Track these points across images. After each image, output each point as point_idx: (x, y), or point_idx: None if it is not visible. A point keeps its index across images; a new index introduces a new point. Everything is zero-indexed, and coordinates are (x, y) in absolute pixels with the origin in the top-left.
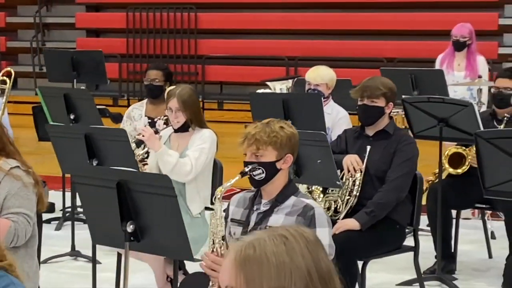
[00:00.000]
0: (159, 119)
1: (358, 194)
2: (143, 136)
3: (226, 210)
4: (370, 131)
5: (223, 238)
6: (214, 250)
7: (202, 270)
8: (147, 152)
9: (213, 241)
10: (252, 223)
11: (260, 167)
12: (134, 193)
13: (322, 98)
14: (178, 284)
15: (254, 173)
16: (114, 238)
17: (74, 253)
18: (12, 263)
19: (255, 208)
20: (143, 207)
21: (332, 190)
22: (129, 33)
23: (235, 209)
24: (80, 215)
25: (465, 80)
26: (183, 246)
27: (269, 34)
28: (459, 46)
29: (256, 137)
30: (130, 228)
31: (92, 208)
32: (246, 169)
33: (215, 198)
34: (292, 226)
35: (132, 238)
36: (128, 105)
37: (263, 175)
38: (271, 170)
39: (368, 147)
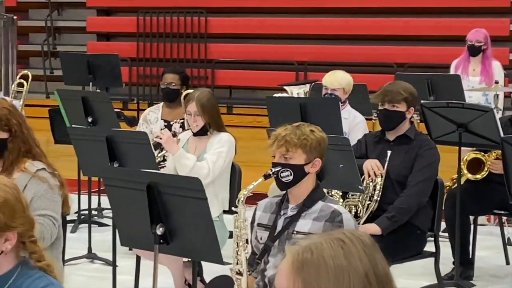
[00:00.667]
0: (175, 122)
1: (378, 199)
2: (160, 138)
3: (253, 215)
4: (390, 136)
5: (247, 241)
6: (238, 253)
7: (227, 273)
8: (164, 156)
9: (237, 244)
10: (279, 228)
11: (288, 169)
12: (164, 196)
13: (340, 103)
14: (204, 286)
15: (281, 174)
16: (143, 240)
17: (91, 256)
18: (50, 264)
19: (282, 213)
20: (173, 210)
21: (352, 195)
22: (139, 37)
23: (262, 214)
24: (95, 218)
25: (480, 86)
26: (212, 249)
27: (279, 39)
28: (474, 51)
29: (286, 139)
30: (159, 230)
31: (122, 210)
32: (270, 172)
33: (238, 201)
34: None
35: (161, 240)
36: (138, 109)
37: (291, 177)
38: (299, 173)
39: (389, 152)
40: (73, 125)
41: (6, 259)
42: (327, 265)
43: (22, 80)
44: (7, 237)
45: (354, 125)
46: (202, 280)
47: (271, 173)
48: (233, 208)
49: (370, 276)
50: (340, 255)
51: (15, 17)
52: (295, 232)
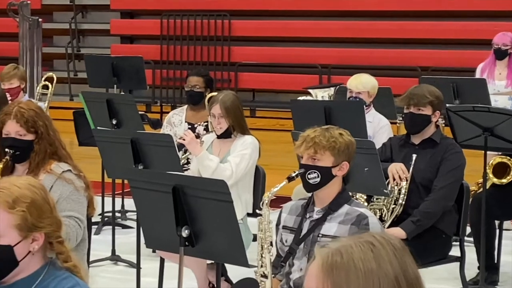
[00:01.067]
0: (199, 125)
1: (403, 202)
2: (184, 140)
3: (278, 217)
4: (416, 140)
5: (272, 243)
6: (263, 255)
7: (251, 276)
8: (188, 159)
9: (262, 247)
10: (304, 231)
11: (315, 171)
12: (190, 198)
13: (364, 106)
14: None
15: (309, 176)
16: (169, 242)
17: (114, 258)
18: (77, 264)
19: (307, 216)
20: (199, 212)
21: (377, 199)
22: (163, 40)
23: (287, 217)
24: (118, 220)
25: (506, 90)
26: (238, 252)
27: (303, 42)
28: (500, 54)
29: (315, 141)
30: (185, 233)
31: (147, 213)
32: (293, 174)
33: (262, 203)
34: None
35: (187, 243)
36: (161, 111)
37: (318, 179)
38: (326, 175)
39: (414, 156)
40: (98, 127)
41: (34, 259)
42: (357, 268)
43: (47, 83)
44: (34, 237)
45: (379, 128)
46: (228, 280)
47: (294, 175)
48: (257, 211)
49: (400, 280)
50: (370, 258)
51: (40, 19)
52: (320, 235)
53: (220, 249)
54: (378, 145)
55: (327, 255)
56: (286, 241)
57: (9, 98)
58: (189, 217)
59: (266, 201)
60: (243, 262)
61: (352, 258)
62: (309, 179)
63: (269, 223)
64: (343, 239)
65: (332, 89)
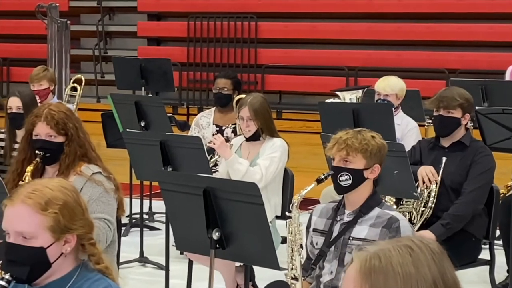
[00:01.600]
0: (227, 127)
1: (433, 205)
2: (214, 144)
3: (308, 220)
4: (445, 142)
5: (301, 246)
6: (293, 258)
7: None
8: (216, 161)
9: (292, 249)
10: (335, 234)
11: (347, 173)
12: (220, 201)
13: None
14: None
15: (340, 178)
16: (199, 245)
17: (143, 260)
18: (108, 266)
19: (338, 219)
20: (229, 215)
21: (406, 201)
22: (190, 42)
23: (318, 219)
24: (146, 222)
25: None
26: (269, 254)
27: (329, 44)
28: None
29: (347, 143)
30: (216, 235)
31: (177, 215)
32: (322, 176)
33: (292, 205)
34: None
35: (217, 245)
36: (188, 114)
37: (350, 181)
38: (358, 177)
39: (444, 159)
40: (127, 130)
41: (66, 261)
42: (395, 272)
43: (75, 84)
44: (66, 239)
45: (407, 131)
46: (254, 285)
47: (323, 177)
48: (286, 213)
49: (438, 284)
50: (408, 262)
51: (68, 22)
52: (351, 238)
53: (251, 251)
54: (406, 148)
55: (365, 259)
56: (316, 243)
57: (38, 100)
58: (220, 220)
59: (296, 204)
60: (273, 264)
61: (391, 262)
62: (340, 181)
63: (298, 225)
64: (381, 243)
65: (360, 91)
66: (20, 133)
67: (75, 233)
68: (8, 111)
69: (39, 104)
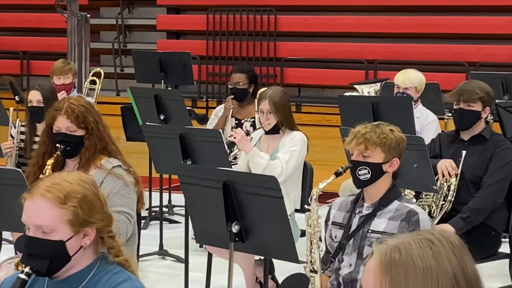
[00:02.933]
0: (246, 120)
1: (453, 199)
2: (234, 138)
3: (327, 213)
4: (465, 136)
5: (320, 238)
6: (312, 251)
7: (302, 271)
8: (235, 155)
9: (311, 242)
10: (353, 227)
11: (366, 167)
12: (240, 194)
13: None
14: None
15: (359, 172)
16: (219, 238)
17: (162, 252)
18: (128, 259)
19: (357, 211)
20: (249, 208)
21: (425, 195)
22: (209, 35)
23: (336, 213)
24: (165, 215)
25: None
26: (288, 248)
27: (349, 37)
28: None
29: (366, 137)
30: (235, 228)
31: (197, 208)
32: (341, 169)
33: (311, 198)
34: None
35: (237, 238)
36: (207, 107)
37: (368, 175)
38: (377, 171)
39: (464, 152)
40: (147, 123)
41: (86, 254)
42: (416, 265)
43: (94, 78)
44: (86, 232)
45: (426, 124)
46: (274, 279)
47: (342, 170)
48: (305, 206)
49: (458, 278)
50: (428, 255)
51: (88, 15)
52: (370, 231)
53: (270, 245)
54: (425, 141)
55: (385, 252)
56: (335, 237)
57: (64, 94)
58: (239, 213)
59: (315, 197)
60: (293, 257)
61: (411, 255)
62: (359, 175)
63: (318, 218)
64: (402, 236)
65: (378, 84)
66: (40, 127)
67: (94, 226)
68: (29, 105)
69: (59, 98)
